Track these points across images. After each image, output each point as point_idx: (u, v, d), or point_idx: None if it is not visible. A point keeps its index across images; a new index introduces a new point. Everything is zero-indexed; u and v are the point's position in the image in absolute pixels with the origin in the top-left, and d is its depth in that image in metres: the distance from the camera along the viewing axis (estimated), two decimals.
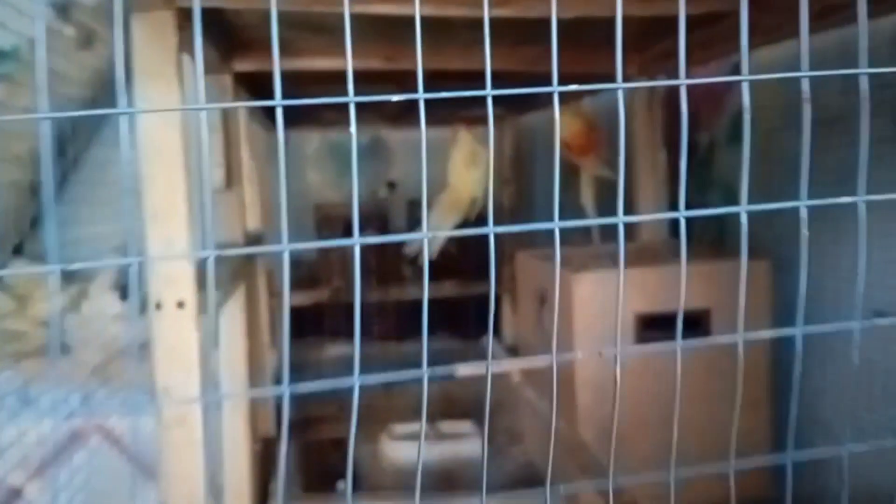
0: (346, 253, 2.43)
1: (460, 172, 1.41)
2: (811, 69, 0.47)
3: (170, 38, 0.86)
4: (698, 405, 1.18)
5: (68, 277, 2.64)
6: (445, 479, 1.69)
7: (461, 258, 2.50)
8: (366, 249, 1.87)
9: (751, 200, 1.33)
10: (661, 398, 1.17)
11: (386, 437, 1.82)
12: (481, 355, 2.01)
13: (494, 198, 1.86)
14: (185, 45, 0.93)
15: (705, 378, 1.19)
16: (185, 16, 0.90)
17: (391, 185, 2.72)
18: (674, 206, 1.50)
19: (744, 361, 1.17)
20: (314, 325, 2.43)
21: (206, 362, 0.89)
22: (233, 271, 1.19)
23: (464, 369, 1.27)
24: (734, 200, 1.46)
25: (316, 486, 1.62)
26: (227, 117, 1.38)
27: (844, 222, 1.14)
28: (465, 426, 1.87)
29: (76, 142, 2.64)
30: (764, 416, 1.21)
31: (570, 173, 1.62)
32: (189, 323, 0.88)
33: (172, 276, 0.87)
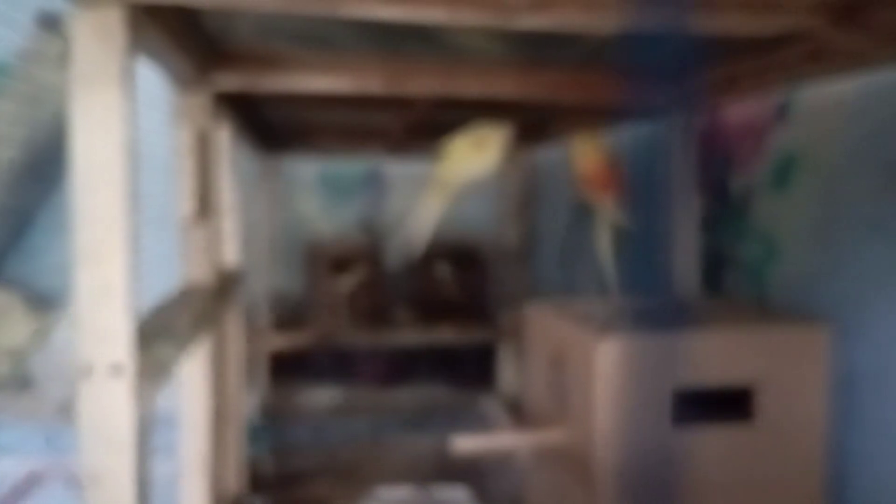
0: (336, 291, 2.26)
1: (463, 151, 1.23)
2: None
3: (117, 39, 0.69)
4: (742, 494, 1.01)
5: (36, 307, 2.46)
6: None
7: (460, 302, 2.32)
8: (357, 290, 1.68)
9: (805, 254, 1.15)
10: (698, 485, 0.99)
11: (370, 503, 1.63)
12: (478, 409, 1.83)
13: (499, 238, 1.69)
14: (141, 47, 0.76)
15: (750, 463, 1.01)
16: (141, 14, 0.74)
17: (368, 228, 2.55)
18: (709, 254, 1.32)
19: (796, 445, 0.98)
20: (300, 367, 2.25)
21: (144, 442, 0.71)
22: (196, 317, 1.01)
23: (463, 443, 1.09)
24: (774, 251, 1.28)
25: None
26: (204, 140, 1.21)
27: None
28: (458, 493, 1.68)
29: (55, 165, 2.48)
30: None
31: (584, 214, 1.45)
32: (124, 393, 0.69)
33: (106, 331, 0.69)
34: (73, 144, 0.69)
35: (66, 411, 2.51)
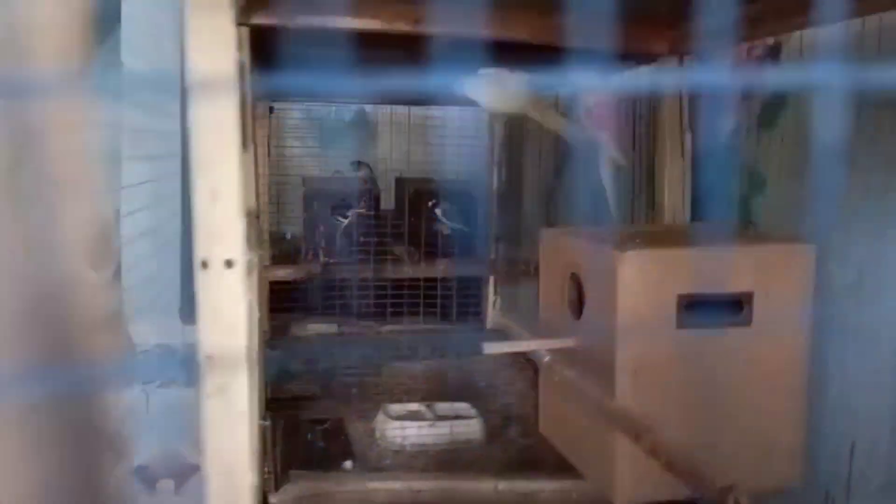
0: (333, 230, 2.36)
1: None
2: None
3: None
4: (736, 390, 1.15)
5: None
6: (447, 460, 1.63)
7: (452, 240, 2.45)
8: (353, 226, 1.80)
9: (785, 187, 1.30)
10: (702, 382, 1.13)
11: (383, 416, 1.75)
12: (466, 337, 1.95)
13: (484, 182, 1.80)
14: None
15: (746, 363, 1.16)
16: None
17: (358, 165, 2.63)
18: (698, 190, 1.45)
19: (784, 348, 1.14)
20: (296, 301, 2.35)
21: (253, 328, 0.82)
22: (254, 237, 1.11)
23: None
24: (760, 185, 1.43)
25: (312, 466, 1.54)
26: (243, 73, 1.29)
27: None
28: (462, 407, 1.82)
29: None
30: (800, 404, 1.19)
31: (569, 156, 1.57)
32: (238, 284, 0.80)
33: (219, 232, 0.79)
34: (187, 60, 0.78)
35: None
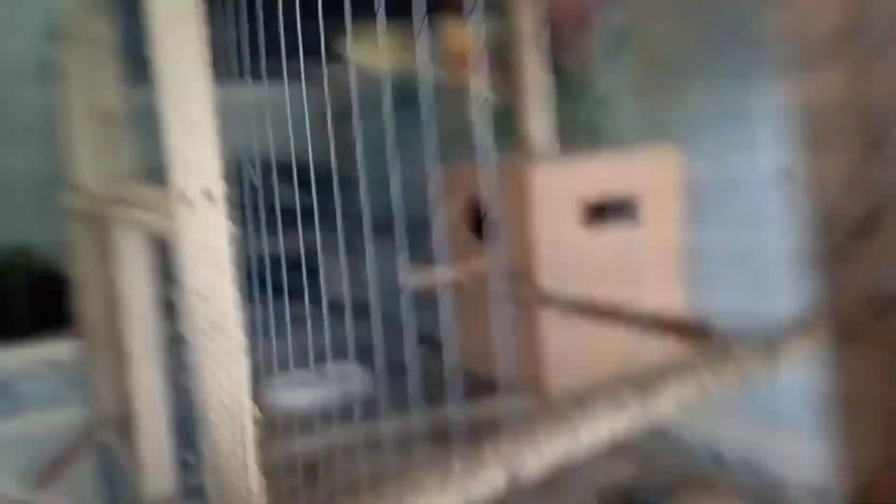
0: None
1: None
2: None
3: None
4: (630, 281, 1.28)
5: None
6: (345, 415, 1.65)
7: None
8: None
9: (639, 107, 1.45)
10: (602, 275, 1.25)
11: (277, 388, 1.73)
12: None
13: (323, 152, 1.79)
14: None
15: (637, 256, 1.29)
16: None
17: None
18: (560, 122, 1.57)
19: (666, 238, 1.28)
20: None
21: (239, 262, 0.80)
22: None
23: (414, 278, 1.26)
24: (611, 110, 1.58)
25: None
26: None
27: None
28: (351, 368, 1.83)
29: None
30: (677, 286, 1.34)
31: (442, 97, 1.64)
32: (220, 217, 0.78)
33: (197, 164, 0.77)
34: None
35: None
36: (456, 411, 1.55)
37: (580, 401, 0.64)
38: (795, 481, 1.21)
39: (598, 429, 0.61)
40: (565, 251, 1.22)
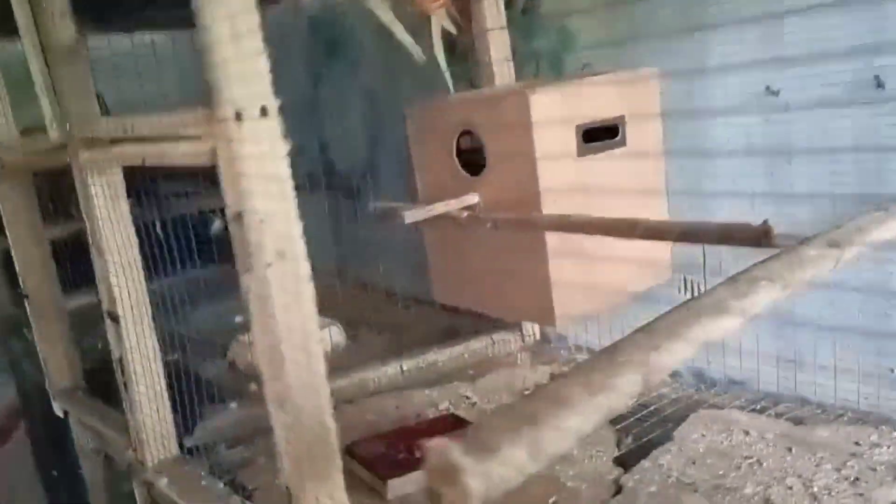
0: None
1: None
2: None
3: None
4: (621, 201, 1.30)
5: None
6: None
7: None
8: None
9: (599, 35, 1.46)
10: (601, 201, 1.26)
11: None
12: None
13: None
14: None
15: (625, 178, 1.31)
16: None
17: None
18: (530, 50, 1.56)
19: (651, 160, 1.30)
20: None
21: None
22: None
23: (412, 214, 1.23)
24: (572, 42, 1.58)
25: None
26: None
27: None
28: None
29: None
30: (663, 202, 1.37)
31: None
32: (277, 133, 0.72)
33: (250, 78, 0.71)
34: None
35: None
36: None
37: (688, 308, 0.64)
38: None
39: (710, 331, 0.60)
40: (564, 177, 1.21)
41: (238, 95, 0.70)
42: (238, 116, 0.70)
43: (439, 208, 1.24)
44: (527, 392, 1.43)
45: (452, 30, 1.52)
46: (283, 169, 0.73)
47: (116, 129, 0.97)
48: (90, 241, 1.18)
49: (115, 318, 1.16)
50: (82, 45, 1.10)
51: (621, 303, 1.32)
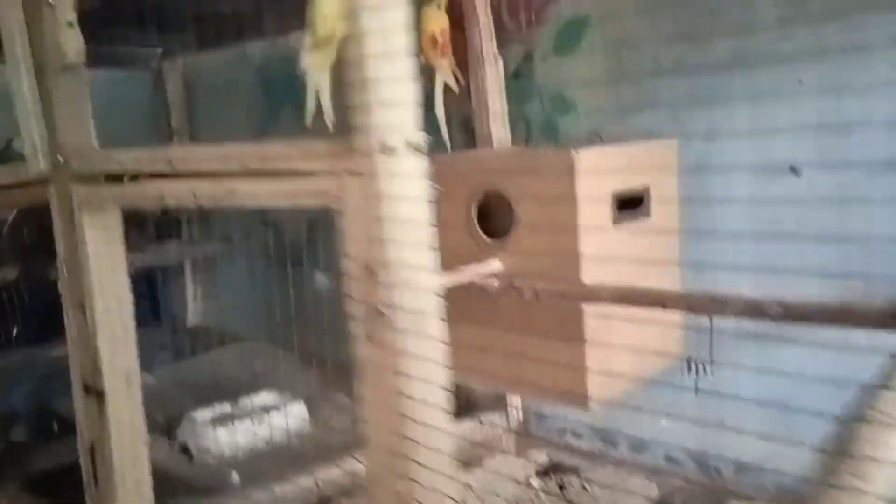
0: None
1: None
2: None
3: None
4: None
5: None
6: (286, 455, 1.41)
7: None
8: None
9: (601, 101, 1.43)
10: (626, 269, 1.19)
11: (200, 427, 1.44)
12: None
13: None
14: None
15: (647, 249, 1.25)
16: None
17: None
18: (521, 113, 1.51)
19: (668, 229, 1.26)
20: None
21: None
22: None
23: (447, 278, 1.11)
24: (567, 109, 1.55)
25: None
26: None
27: None
28: (269, 397, 1.59)
29: None
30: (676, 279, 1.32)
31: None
32: (424, 172, 0.61)
33: (402, 106, 0.59)
34: None
35: None
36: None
37: None
38: None
39: None
40: (602, 246, 1.15)
41: (387, 124, 0.59)
42: (385, 149, 0.59)
43: (466, 275, 1.13)
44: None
45: (454, 87, 1.45)
46: (426, 215, 0.61)
47: (154, 162, 0.81)
48: (64, 294, 0.99)
49: (99, 394, 0.96)
50: (83, 63, 0.94)
51: (639, 385, 1.25)
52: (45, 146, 0.94)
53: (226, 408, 1.52)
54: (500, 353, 1.24)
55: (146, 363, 1.65)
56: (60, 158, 0.93)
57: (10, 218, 1.76)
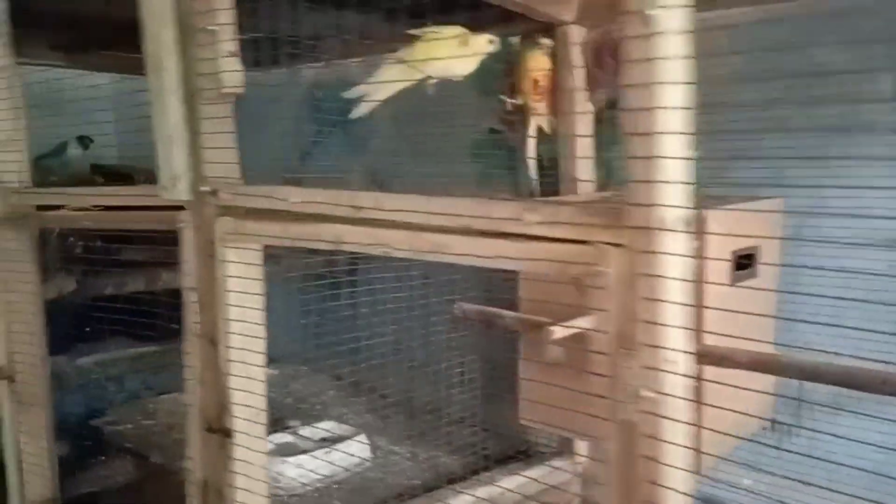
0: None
1: (448, 45, 1.18)
2: None
3: None
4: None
5: None
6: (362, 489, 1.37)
7: None
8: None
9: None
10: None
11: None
12: None
13: None
14: None
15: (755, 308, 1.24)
16: None
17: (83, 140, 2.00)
18: (602, 158, 1.51)
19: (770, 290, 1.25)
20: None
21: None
22: None
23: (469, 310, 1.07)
24: None
25: None
26: None
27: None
28: (330, 426, 1.54)
29: None
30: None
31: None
32: (689, 246, 0.59)
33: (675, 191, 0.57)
34: None
35: None
36: None
37: None
38: None
39: None
40: (722, 305, 1.13)
41: (663, 199, 0.56)
42: (662, 225, 0.56)
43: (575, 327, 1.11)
44: None
45: (548, 130, 1.44)
46: (689, 294, 0.59)
47: (335, 204, 0.78)
48: (190, 324, 0.95)
49: (225, 432, 0.91)
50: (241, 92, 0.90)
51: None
52: (189, 173, 0.90)
53: (286, 437, 1.47)
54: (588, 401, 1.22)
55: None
56: (206, 188, 0.89)
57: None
